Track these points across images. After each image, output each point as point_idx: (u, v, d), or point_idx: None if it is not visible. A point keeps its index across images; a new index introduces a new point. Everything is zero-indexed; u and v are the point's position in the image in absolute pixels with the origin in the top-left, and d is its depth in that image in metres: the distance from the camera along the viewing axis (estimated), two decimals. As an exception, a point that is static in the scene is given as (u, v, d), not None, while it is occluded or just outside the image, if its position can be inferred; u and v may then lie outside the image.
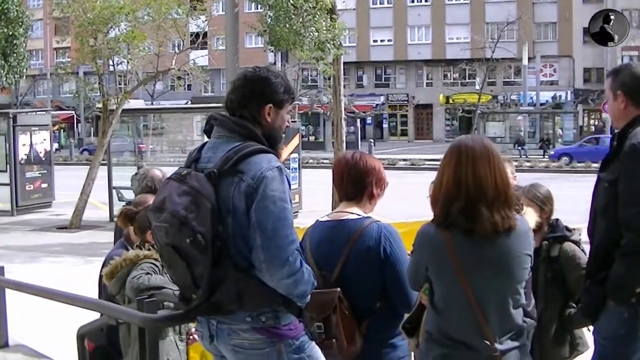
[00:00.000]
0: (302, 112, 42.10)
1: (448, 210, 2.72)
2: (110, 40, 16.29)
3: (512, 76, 50.17)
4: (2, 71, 19.61)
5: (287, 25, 14.38)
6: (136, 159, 17.92)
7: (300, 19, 14.44)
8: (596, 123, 48.83)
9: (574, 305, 3.79)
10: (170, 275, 2.98)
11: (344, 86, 17.40)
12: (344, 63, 16.69)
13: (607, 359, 3.37)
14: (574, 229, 3.93)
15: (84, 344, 4.27)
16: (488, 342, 2.71)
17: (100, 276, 4.15)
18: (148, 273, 3.77)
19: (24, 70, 20.82)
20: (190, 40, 19.74)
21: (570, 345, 3.88)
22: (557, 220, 3.91)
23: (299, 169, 16.89)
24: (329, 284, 3.09)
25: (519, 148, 38.48)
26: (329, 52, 14.88)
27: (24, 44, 20.39)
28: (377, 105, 55.02)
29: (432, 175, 2.95)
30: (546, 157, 34.38)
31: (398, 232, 3.21)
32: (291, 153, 16.33)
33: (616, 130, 3.47)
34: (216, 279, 2.71)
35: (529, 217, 3.14)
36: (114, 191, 16.65)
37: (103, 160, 16.65)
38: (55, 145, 34.88)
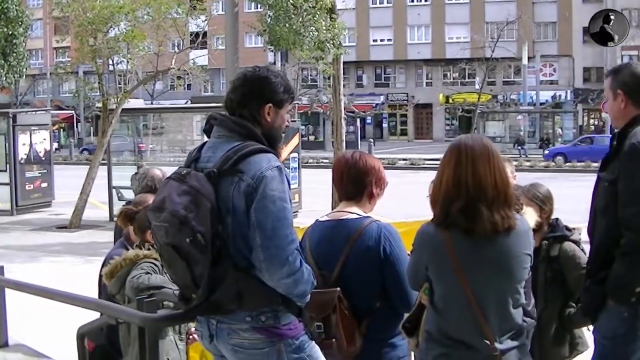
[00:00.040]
0: (301, 111, 42.16)
1: (448, 209, 2.72)
2: (110, 39, 16.29)
3: (511, 76, 50.17)
4: (1, 71, 19.60)
5: (287, 25, 14.39)
6: (136, 158, 17.93)
7: (300, 19, 14.45)
8: (596, 122, 48.87)
9: (574, 305, 3.79)
10: (170, 274, 2.99)
11: (344, 86, 17.40)
12: (344, 62, 16.69)
13: (607, 358, 3.37)
14: (574, 229, 3.93)
15: (83, 343, 4.27)
16: (488, 342, 2.71)
17: (100, 276, 4.15)
18: (148, 273, 3.77)
19: (24, 70, 20.81)
20: (190, 40, 19.71)
21: (570, 345, 3.88)
22: (557, 219, 3.91)
23: (298, 168, 16.90)
24: (328, 283, 3.09)
25: (519, 147, 38.49)
26: (328, 51, 14.89)
27: (24, 44, 20.38)
28: (376, 104, 55.01)
29: (432, 175, 2.94)
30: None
31: (398, 232, 3.21)
32: (291, 152, 16.33)
33: (616, 130, 3.47)
34: (216, 278, 2.71)
35: (529, 216, 3.14)
36: (113, 191, 16.65)
37: (103, 159, 16.65)
38: (55, 145, 34.88)
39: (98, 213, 16.91)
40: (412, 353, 3.24)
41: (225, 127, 2.89)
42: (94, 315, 4.33)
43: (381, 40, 55.11)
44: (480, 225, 2.68)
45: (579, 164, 30.01)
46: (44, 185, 18.77)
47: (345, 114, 17.86)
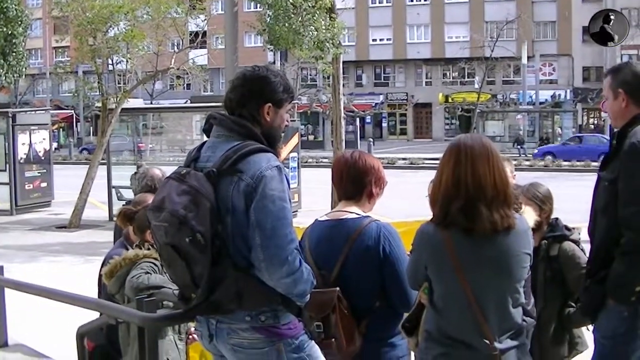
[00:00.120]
0: (301, 111, 42.21)
1: (447, 209, 2.72)
2: (109, 39, 16.29)
3: (511, 75, 50.17)
4: (1, 70, 19.62)
5: (287, 25, 14.40)
6: (135, 158, 17.93)
7: (300, 18, 14.45)
8: (595, 122, 48.88)
9: (573, 304, 3.79)
10: (170, 274, 2.98)
11: (343, 85, 17.39)
12: (343, 62, 16.69)
13: (607, 358, 3.37)
14: (574, 228, 3.93)
15: (83, 343, 4.27)
16: (487, 341, 2.71)
17: (100, 275, 4.15)
18: (147, 272, 3.77)
19: (23, 70, 20.83)
20: (190, 40, 19.76)
21: (569, 345, 3.88)
22: (556, 219, 3.91)
23: (298, 168, 16.90)
24: (328, 283, 3.09)
25: (519, 147, 38.49)
26: (328, 51, 14.89)
27: (23, 43, 20.40)
28: (376, 104, 55.02)
29: (431, 174, 2.94)
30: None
31: (397, 232, 3.21)
32: (290, 152, 16.34)
33: (615, 129, 3.47)
34: (215, 278, 2.71)
35: (528, 215, 3.14)
36: (113, 190, 16.65)
37: (102, 159, 16.66)
38: (55, 145, 34.84)
39: (97, 213, 16.90)
40: (412, 353, 3.24)
41: (225, 127, 2.89)
42: (94, 315, 4.33)
43: (380, 40, 55.10)
44: (479, 224, 2.68)
45: (578, 163, 30.02)
46: (44, 185, 18.76)
47: (344, 114, 17.87)
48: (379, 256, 3.10)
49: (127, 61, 17.23)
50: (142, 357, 3.52)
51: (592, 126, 48.43)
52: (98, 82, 16.55)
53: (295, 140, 16.65)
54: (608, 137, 33.37)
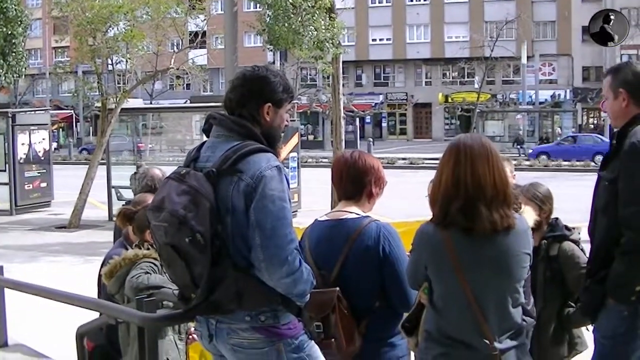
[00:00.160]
0: (301, 111, 42.20)
1: (447, 209, 2.72)
2: (109, 39, 16.29)
3: (511, 75, 50.16)
4: (1, 70, 19.62)
5: (286, 24, 14.40)
6: (135, 158, 17.93)
7: (299, 18, 14.45)
8: (595, 121, 48.88)
9: (573, 304, 3.79)
10: (169, 274, 2.98)
11: (343, 85, 17.40)
12: (343, 62, 16.69)
13: (607, 358, 3.37)
14: (574, 228, 3.93)
15: (83, 343, 4.27)
16: (487, 341, 2.71)
17: (100, 275, 4.15)
18: (147, 272, 3.77)
19: (23, 70, 20.84)
20: (189, 40, 19.75)
21: (569, 345, 3.88)
22: (556, 219, 3.91)
23: (298, 168, 16.90)
24: (328, 283, 3.09)
25: (518, 147, 38.50)
26: (327, 51, 14.89)
27: (23, 43, 20.41)
28: (376, 104, 55.02)
29: (431, 174, 2.94)
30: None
31: (397, 231, 3.20)
32: (290, 152, 16.33)
33: (615, 129, 3.47)
34: (215, 278, 2.71)
35: (528, 215, 3.14)
36: (113, 190, 16.65)
37: (102, 159, 16.66)
38: (54, 145, 34.83)
39: (97, 213, 16.90)
40: (412, 353, 3.24)
41: (225, 127, 2.89)
42: (94, 315, 4.33)
43: (380, 40, 55.10)
44: (479, 224, 2.68)
45: (578, 162, 30.05)
46: (43, 185, 18.76)
47: (344, 114, 17.87)
48: (378, 256, 3.10)
49: (126, 61, 17.22)
50: (142, 357, 3.52)
51: (592, 126, 48.43)
52: (98, 82, 16.55)
53: (295, 140, 16.65)
54: (603, 137, 33.56)
